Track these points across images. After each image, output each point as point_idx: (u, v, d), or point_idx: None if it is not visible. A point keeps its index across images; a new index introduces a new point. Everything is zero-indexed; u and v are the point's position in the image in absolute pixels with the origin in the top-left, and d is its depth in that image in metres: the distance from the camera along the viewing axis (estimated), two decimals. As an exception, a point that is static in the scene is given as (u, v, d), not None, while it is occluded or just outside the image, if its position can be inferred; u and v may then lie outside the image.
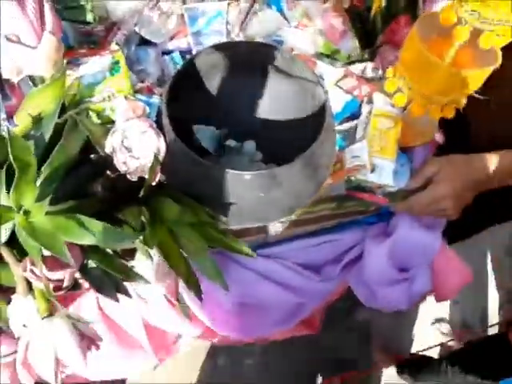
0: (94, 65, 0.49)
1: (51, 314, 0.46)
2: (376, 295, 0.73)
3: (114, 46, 0.52)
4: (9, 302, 0.51)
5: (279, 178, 0.51)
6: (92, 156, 0.52)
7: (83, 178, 0.50)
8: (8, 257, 0.47)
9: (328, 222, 0.70)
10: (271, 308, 0.79)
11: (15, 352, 0.54)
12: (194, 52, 0.67)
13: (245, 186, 0.50)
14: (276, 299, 0.75)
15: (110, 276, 0.52)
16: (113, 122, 0.50)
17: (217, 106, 0.64)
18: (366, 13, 0.87)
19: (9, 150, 0.34)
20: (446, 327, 1.50)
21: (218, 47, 0.58)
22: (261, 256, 0.71)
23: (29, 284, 0.49)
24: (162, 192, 0.52)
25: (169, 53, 0.66)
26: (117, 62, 0.51)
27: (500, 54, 0.55)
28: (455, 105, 0.61)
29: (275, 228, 0.68)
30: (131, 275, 0.52)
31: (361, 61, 0.83)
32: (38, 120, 0.43)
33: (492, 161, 0.61)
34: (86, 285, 0.57)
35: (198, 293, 0.57)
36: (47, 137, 0.43)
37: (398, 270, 0.69)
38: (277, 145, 0.65)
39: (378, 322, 1.45)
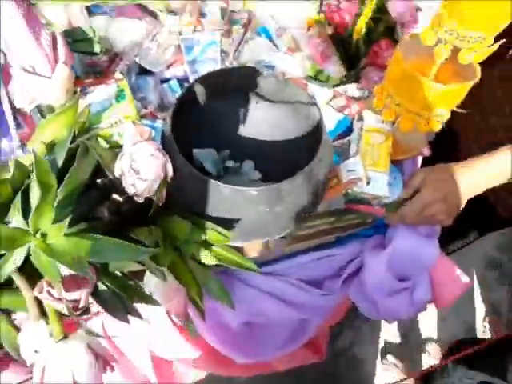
0: (100, 93, 0.51)
1: (65, 336, 0.46)
2: (378, 307, 0.74)
3: (118, 75, 0.54)
4: (18, 330, 0.51)
5: (282, 193, 0.53)
6: (100, 180, 0.53)
7: (93, 201, 0.51)
8: (20, 282, 0.48)
9: (327, 237, 0.72)
10: (275, 326, 0.80)
11: (27, 380, 0.53)
12: (190, 79, 0.70)
13: (251, 202, 0.52)
14: (280, 316, 0.76)
15: (121, 298, 0.53)
16: (120, 146, 0.52)
17: (215, 129, 0.67)
18: (348, 39, 0.93)
19: (33, 172, 0.35)
20: (433, 347, 1.50)
21: (214, 74, 0.61)
22: (263, 273, 0.72)
23: (40, 309, 0.49)
24: (169, 212, 0.53)
25: (166, 81, 0.69)
26: (122, 90, 0.53)
27: (479, 68, 0.59)
28: (440, 119, 0.65)
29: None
30: (142, 296, 0.53)
31: (347, 82, 0.88)
32: (51, 146, 0.45)
33: (475, 164, 0.64)
34: (93, 310, 0.57)
35: (202, 312, 0.58)
36: (60, 162, 0.45)
37: (398, 279, 0.70)
38: (274, 164, 0.68)
39: (364, 347, 1.45)
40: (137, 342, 0.71)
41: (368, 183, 0.64)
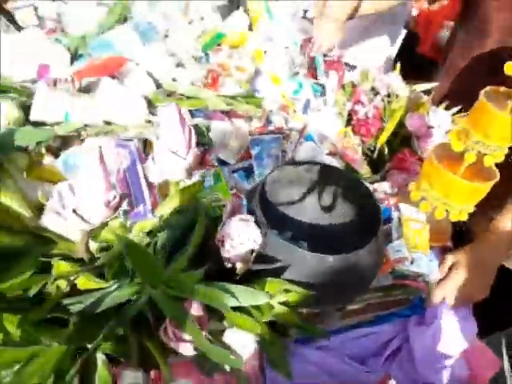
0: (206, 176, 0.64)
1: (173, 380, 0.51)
2: (419, 384, 0.79)
3: (214, 163, 0.68)
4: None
5: (352, 262, 0.63)
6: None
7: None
8: (130, 334, 0.54)
9: (372, 315, 0.80)
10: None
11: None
12: (255, 171, 0.84)
13: (326, 269, 0.61)
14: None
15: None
16: (216, 218, 0.62)
17: (277, 210, 0.79)
18: (372, 147, 1.11)
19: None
20: None
21: (288, 163, 0.75)
22: (313, 347, 0.77)
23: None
24: (257, 274, 0.62)
25: (235, 171, 0.83)
26: (218, 174, 0.66)
27: (497, 171, 0.74)
28: (467, 210, 0.78)
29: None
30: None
31: (374, 182, 1.03)
32: (175, 212, 0.55)
33: (490, 238, 0.76)
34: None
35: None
36: (182, 225, 0.55)
37: (442, 357, 0.77)
38: (325, 244, 0.78)
39: None
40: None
41: (412, 262, 0.74)
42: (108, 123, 0.64)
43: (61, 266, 0.54)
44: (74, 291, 0.53)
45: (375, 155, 1.11)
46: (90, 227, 0.45)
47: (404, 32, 2.06)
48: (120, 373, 0.55)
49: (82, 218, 0.43)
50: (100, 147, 0.40)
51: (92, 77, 0.67)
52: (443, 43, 2.19)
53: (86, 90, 0.67)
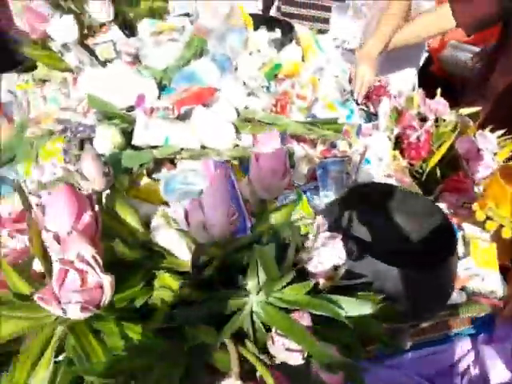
0: (289, 196, 0.68)
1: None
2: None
3: (295, 184, 0.72)
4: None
5: (432, 278, 0.65)
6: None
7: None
8: (228, 341, 0.57)
9: (442, 332, 0.81)
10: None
11: None
12: (320, 191, 0.88)
13: (408, 284, 0.64)
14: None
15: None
16: (303, 235, 0.66)
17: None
18: (420, 169, 1.15)
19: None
20: None
21: (359, 186, 0.79)
22: (386, 366, 0.79)
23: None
24: (341, 289, 0.64)
25: (305, 191, 0.87)
26: (300, 195, 0.70)
27: None
28: (534, 229, 0.80)
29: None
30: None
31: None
32: (271, 229, 0.59)
33: None
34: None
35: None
36: (276, 242, 0.59)
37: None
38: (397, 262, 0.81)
39: None
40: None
41: (483, 279, 0.76)
42: (203, 147, 0.69)
43: (166, 279, 0.58)
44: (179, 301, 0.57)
45: (424, 177, 1.15)
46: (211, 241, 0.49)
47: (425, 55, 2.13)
48: (219, 382, 0.57)
49: (210, 233, 0.47)
50: (219, 169, 0.44)
51: (188, 105, 0.73)
52: (445, 61, 2.25)
53: (182, 117, 0.73)
